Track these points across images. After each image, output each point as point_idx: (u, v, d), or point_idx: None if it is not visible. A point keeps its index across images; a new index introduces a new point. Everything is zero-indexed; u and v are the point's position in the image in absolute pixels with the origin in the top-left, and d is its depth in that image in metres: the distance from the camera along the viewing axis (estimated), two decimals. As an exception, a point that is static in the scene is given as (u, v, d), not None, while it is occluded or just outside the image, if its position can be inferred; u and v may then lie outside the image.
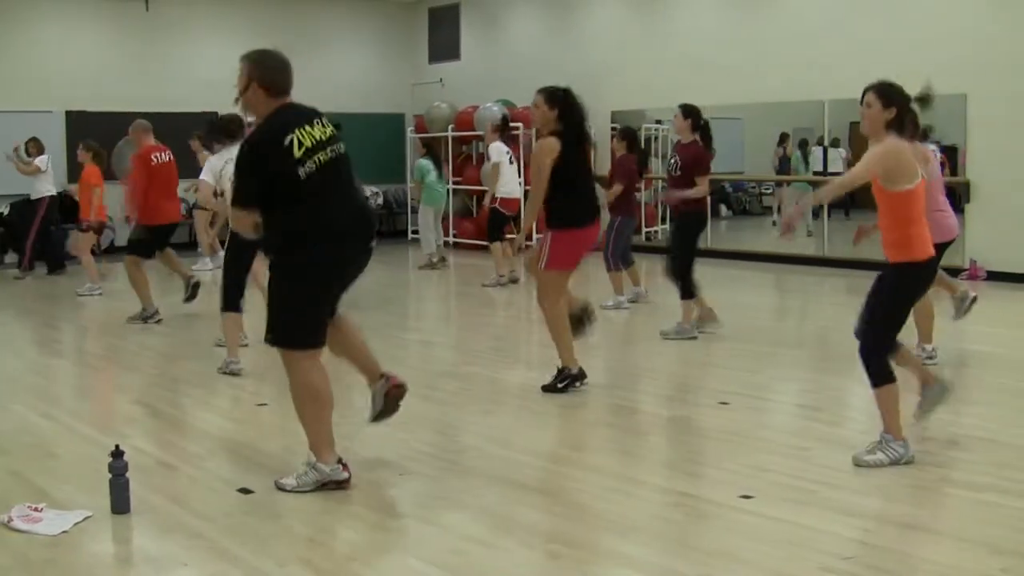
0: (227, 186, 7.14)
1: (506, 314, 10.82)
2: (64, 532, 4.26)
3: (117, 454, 4.48)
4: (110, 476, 4.47)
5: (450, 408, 6.59)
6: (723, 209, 16.49)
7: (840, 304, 11.00)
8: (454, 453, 5.46)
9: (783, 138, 15.19)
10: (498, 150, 12.26)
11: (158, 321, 9.51)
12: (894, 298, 5.00)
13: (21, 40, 15.67)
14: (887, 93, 4.91)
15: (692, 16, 14.59)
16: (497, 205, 12.15)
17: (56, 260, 13.67)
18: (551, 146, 6.32)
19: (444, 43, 18.21)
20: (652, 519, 4.38)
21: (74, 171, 13.83)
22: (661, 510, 4.49)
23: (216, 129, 8.00)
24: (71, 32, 16.06)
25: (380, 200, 17.96)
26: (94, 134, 12.70)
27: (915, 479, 4.88)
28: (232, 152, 6.32)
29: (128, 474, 4.49)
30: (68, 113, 15.62)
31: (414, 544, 4.18)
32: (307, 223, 4.55)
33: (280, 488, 4.76)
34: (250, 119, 5.23)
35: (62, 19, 15.94)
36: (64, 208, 14.11)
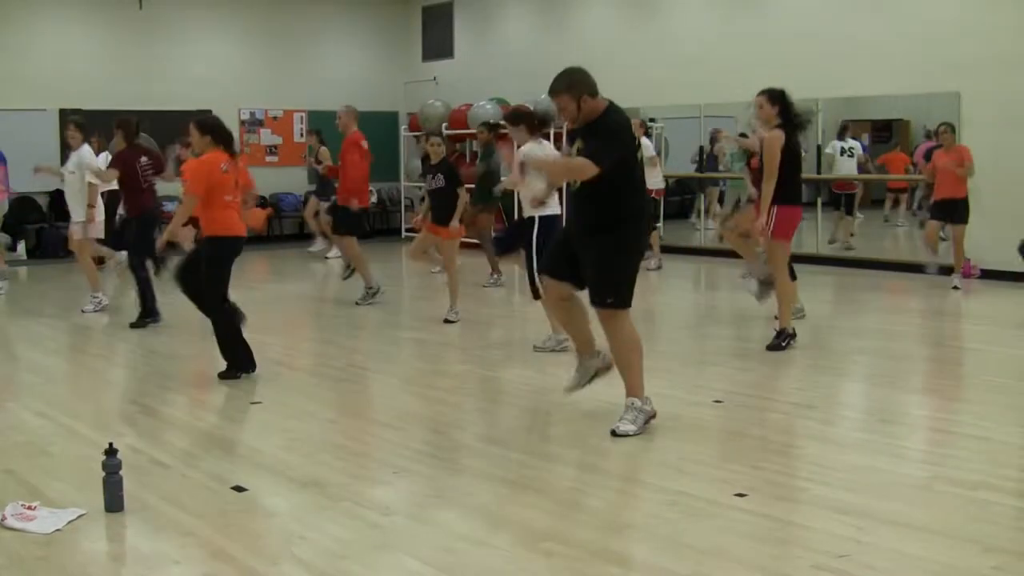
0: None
1: (502, 312, 10.81)
2: (57, 530, 4.26)
3: (111, 452, 4.48)
4: (104, 474, 4.47)
5: (444, 406, 6.59)
6: (717, 207, 16.50)
7: (830, 302, 11.01)
8: (448, 451, 5.46)
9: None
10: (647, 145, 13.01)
11: (374, 294, 10.25)
12: None
13: (15, 39, 15.61)
14: None
15: (686, 14, 14.59)
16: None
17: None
18: (779, 137, 7.39)
19: (438, 41, 18.19)
20: (646, 517, 4.39)
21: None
22: (655, 508, 4.49)
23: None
24: (65, 31, 16.00)
25: (375, 198, 17.93)
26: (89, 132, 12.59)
27: (908, 477, 4.89)
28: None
29: (122, 472, 4.49)
30: (62, 111, 15.57)
31: (407, 542, 4.17)
32: (638, 201, 5.51)
33: (623, 435, 5.45)
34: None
35: (56, 18, 15.89)
36: (56, 204, 13.97)
